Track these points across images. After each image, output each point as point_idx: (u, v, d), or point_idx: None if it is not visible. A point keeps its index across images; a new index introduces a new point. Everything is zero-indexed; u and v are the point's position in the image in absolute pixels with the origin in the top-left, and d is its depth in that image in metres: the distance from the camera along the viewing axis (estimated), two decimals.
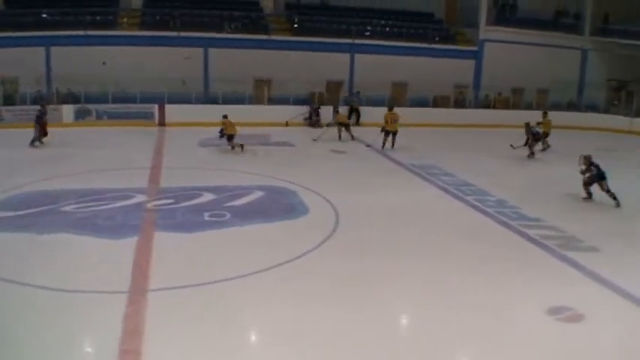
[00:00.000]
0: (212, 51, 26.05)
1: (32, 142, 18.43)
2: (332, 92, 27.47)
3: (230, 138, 18.31)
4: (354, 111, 25.74)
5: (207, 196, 12.81)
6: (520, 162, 18.48)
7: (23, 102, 23.85)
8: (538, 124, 20.17)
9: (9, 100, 24.06)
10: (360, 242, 10.23)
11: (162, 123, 23.25)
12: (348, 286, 8.25)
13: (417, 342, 6.93)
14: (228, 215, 11.53)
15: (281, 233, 10.70)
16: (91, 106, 23.12)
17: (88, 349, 6.92)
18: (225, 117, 18.60)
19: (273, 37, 26.93)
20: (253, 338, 7.14)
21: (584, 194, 13.50)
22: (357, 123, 24.79)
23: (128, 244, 9.78)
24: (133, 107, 23.33)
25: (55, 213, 11.54)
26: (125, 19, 26.90)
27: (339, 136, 21.10)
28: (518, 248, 10.28)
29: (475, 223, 11.80)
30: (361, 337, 6.80)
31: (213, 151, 18.73)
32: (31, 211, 11.63)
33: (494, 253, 9.91)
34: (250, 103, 25.40)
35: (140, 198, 12.64)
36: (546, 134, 20.58)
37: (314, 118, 24.62)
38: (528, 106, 28.89)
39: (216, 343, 6.66)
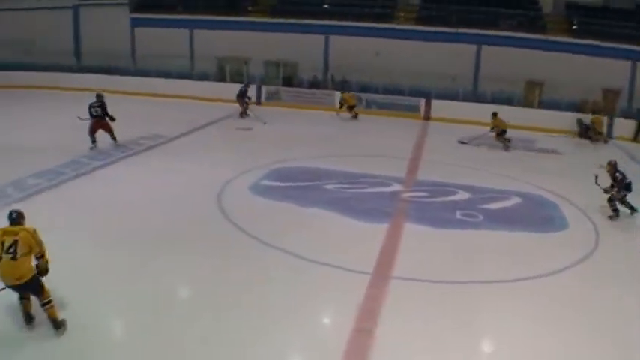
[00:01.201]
0: (485, 48, 25.54)
1: (240, 115, 21.27)
2: (608, 101, 25.18)
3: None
4: None
5: (462, 195, 12.64)
6: None
7: (300, 85, 25.96)
8: None
9: (287, 82, 26.38)
10: (619, 269, 9.20)
11: (427, 117, 23.45)
12: (596, 316, 7.47)
13: None
14: (481, 217, 11.24)
15: (534, 245, 10.09)
16: (362, 95, 24.17)
17: (325, 320, 7.37)
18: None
19: (550, 38, 25.48)
20: (479, 348, 6.85)
21: (609, 212, 11.72)
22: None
23: (378, 230, 10.11)
24: (401, 99, 23.88)
25: (317, 189, 12.40)
26: (402, 14, 27.59)
27: (505, 147, 18.79)
28: None
29: None
30: None
31: (475, 149, 18.36)
32: (296, 184, 12.73)
33: None
34: (519, 104, 24.39)
35: (396, 187, 12.94)
36: None
37: (590, 132, 22.17)
38: None
39: (443, 341, 6.64)
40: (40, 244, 6.49)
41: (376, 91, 24.63)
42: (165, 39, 27.67)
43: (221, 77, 27.00)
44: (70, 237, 9.07)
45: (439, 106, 23.38)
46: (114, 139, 15.43)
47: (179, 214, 10.69)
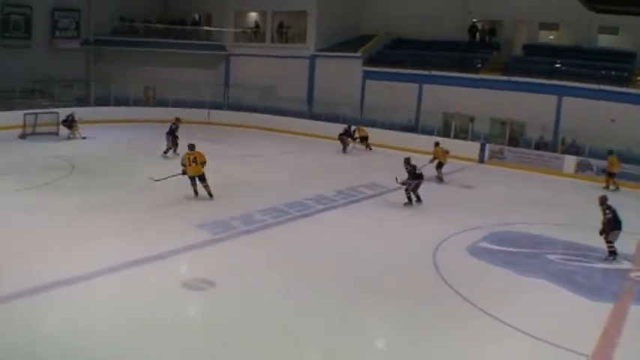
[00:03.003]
0: None
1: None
2: None
3: None
4: None
5: None
6: None
7: (527, 145, 25.20)
8: None
9: (513, 142, 25.71)
10: None
11: None
12: None
13: None
14: None
15: None
16: (592, 161, 22.92)
17: None
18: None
19: None
20: None
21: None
22: None
23: (601, 309, 9.66)
24: (637, 169, 22.16)
25: (538, 258, 12.15)
26: (639, 78, 25.70)
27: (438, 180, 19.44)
28: None
29: None
30: None
31: None
32: (516, 250, 12.58)
33: None
34: None
35: (626, 265, 12.18)
36: None
37: None
38: None
39: None
40: (204, 158, 14.71)
41: None
42: (393, 92, 28.76)
43: (445, 133, 27.14)
44: (286, 274, 10.22)
45: None
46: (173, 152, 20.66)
47: (392, 264, 11.29)
